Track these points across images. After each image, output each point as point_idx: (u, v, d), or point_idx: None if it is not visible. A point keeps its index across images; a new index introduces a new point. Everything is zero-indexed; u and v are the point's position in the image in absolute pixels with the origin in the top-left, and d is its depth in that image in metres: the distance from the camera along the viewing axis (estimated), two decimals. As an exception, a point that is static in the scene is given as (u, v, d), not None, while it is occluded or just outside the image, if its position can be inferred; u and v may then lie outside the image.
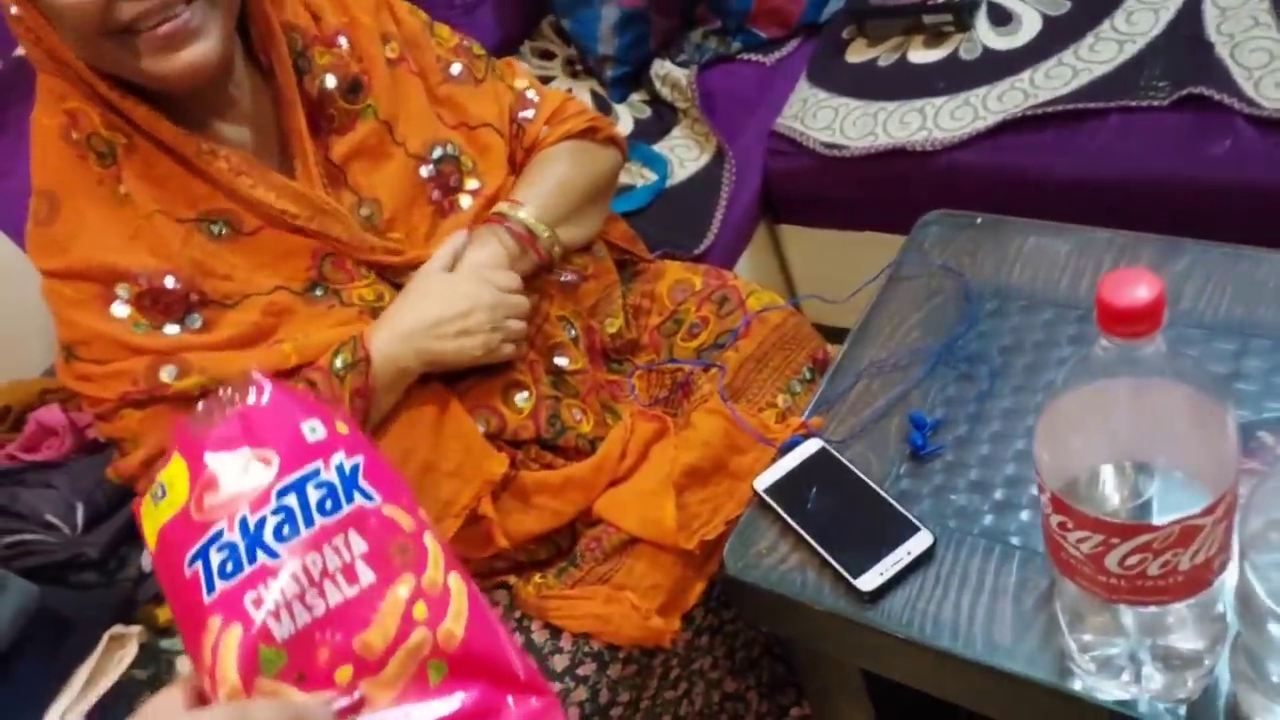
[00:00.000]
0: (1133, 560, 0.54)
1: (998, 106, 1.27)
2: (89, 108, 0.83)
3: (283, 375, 0.85)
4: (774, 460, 0.88)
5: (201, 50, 0.79)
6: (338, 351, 0.84)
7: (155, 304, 0.83)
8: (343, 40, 0.91)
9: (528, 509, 0.90)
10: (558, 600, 0.89)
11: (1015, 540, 0.76)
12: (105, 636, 0.92)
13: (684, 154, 1.43)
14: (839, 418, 0.90)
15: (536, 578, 0.91)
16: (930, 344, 0.92)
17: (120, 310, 0.83)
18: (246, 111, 0.88)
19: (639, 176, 1.40)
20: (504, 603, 0.92)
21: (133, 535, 0.98)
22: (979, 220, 1.01)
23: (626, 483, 0.92)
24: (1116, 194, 1.17)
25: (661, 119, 1.49)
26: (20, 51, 1.19)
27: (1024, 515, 0.77)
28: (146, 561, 0.98)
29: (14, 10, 0.81)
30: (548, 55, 1.65)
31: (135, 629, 0.93)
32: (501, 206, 0.93)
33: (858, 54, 1.44)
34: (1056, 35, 1.32)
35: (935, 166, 1.28)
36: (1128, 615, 0.60)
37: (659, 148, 1.44)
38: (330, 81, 0.89)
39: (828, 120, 1.37)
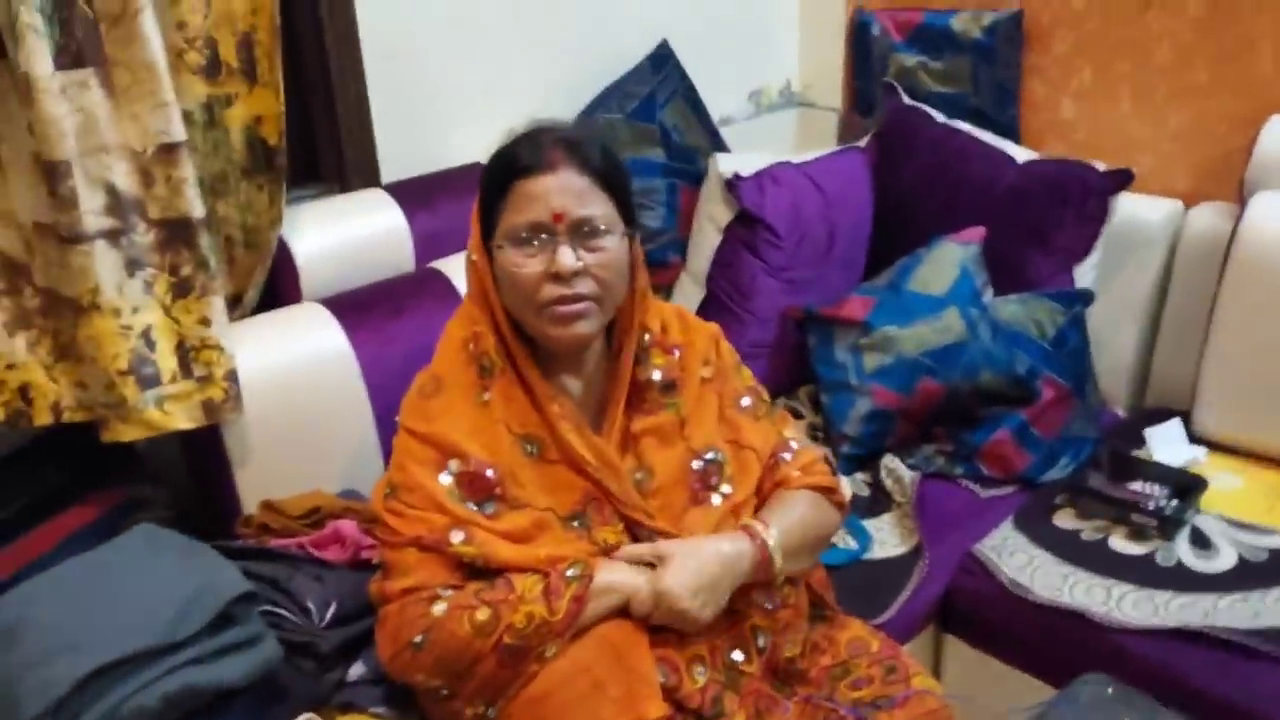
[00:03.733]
0: None
1: (1178, 614, 1.39)
2: (489, 334, 1.15)
3: (527, 568, 1.07)
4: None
5: (585, 328, 1.12)
6: (572, 564, 1.06)
7: (470, 484, 1.10)
8: (676, 352, 1.20)
9: (662, 764, 1.03)
10: None
11: None
12: (303, 717, 1.10)
13: (886, 538, 1.62)
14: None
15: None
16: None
17: (445, 478, 1.10)
18: (586, 374, 1.19)
19: (842, 540, 1.59)
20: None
21: (357, 647, 1.18)
22: (1136, 697, 1.12)
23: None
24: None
25: (877, 502, 1.70)
26: (432, 264, 1.59)
27: None
28: (354, 672, 1.18)
29: (474, 257, 1.16)
30: (796, 415, 1.92)
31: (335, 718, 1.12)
32: (755, 525, 1.14)
33: (1064, 520, 1.61)
34: (1248, 576, 1.44)
35: (1106, 641, 1.39)
36: None
37: (867, 523, 1.64)
38: (656, 375, 1.18)
39: (1021, 563, 1.53)
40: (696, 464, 1.17)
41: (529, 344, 1.16)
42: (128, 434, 1.27)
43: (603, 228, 1.11)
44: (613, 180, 1.13)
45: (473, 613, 1.03)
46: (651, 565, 1.09)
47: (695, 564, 1.07)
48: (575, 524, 1.12)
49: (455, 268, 1.56)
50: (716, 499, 1.17)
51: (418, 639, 1.04)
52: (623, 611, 1.07)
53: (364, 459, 1.45)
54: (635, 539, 1.13)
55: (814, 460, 1.25)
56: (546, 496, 1.12)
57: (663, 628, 1.08)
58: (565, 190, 1.09)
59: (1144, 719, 1.12)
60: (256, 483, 1.37)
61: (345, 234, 1.55)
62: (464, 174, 1.72)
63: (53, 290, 1.28)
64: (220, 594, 1.06)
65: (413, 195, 1.63)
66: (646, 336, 1.19)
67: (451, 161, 1.76)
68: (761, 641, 1.14)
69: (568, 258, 1.08)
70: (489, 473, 1.10)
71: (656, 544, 1.11)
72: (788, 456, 1.23)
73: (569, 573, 1.06)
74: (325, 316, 1.44)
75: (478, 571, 1.08)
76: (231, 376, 1.31)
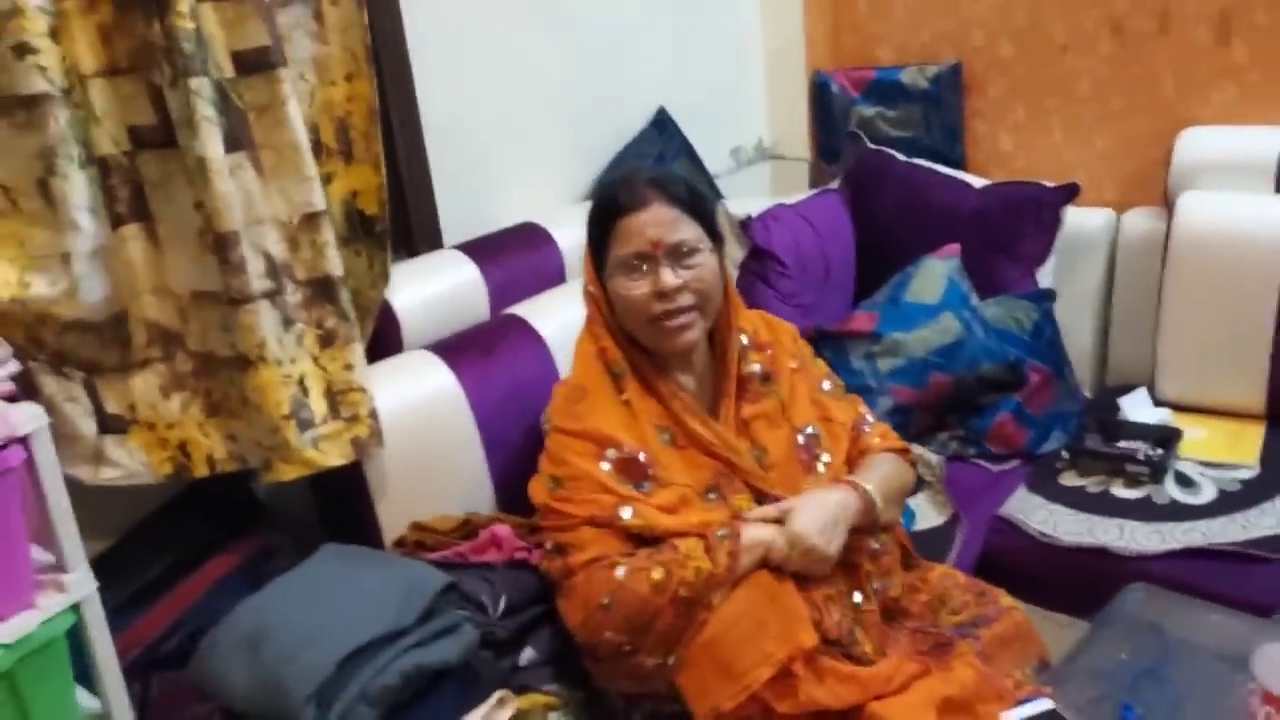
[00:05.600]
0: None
1: (1183, 538, 1.66)
2: (613, 346, 1.35)
3: (684, 533, 1.26)
4: (1014, 707, 1.19)
5: (691, 337, 1.34)
6: (720, 526, 1.26)
7: (627, 469, 1.29)
8: (769, 350, 1.43)
9: (821, 684, 1.22)
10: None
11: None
12: (496, 695, 1.25)
13: (925, 513, 1.86)
14: (1063, 697, 1.21)
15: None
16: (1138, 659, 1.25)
17: (605, 466, 1.29)
18: (697, 374, 1.40)
19: (889, 518, 1.82)
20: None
21: (527, 632, 1.34)
22: (1172, 596, 1.37)
23: (896, 697, 1.24)
24: None
25: (908, 486, 1.95)
26: (508, 311, 1.78)
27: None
28: (524, 658, 1.33)
29: (591, 289, 1.37)
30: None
31: (514, 697, 1.27)
32: (855, 478, 1.36)
33: (1069, 480, 1.89)
34: (1230, 502, 1.73)
35: (1128, 569, 1.64)
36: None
37: (907, 501, 1.87)
38: (756, 369, 1.40)
39: (1043, 518, 1.79)
40: (801, 439, 1.39)
41: (646, 353, 1.37)
42: (289, 473, 1.41)
43: (694, 247, 1.33)
44: (697, 206, 1.36)
45: (649, 572, 1.22)
46: (779, 522, 1.29)
47: (816, 509, 1.28)
48: (711, 497, 1.32)
49: (529, 312, 1.76)
50: (821, 467, 1.39)
51: (605, 600, 1.22)
52: (766, 565, 1.27)
53: (477, 484, 1.61)
54: (761, 504, 1.33)
55: (887, 429, 1.49)
56: (685, 475, 1.32)
57: (799, 576, 1.28)
58: (659, 221, 1.32)
59: (1184, 609, 1.38)
60: (394, 513, 1.52)
61: (433, 289, 1.74)
62: (520, 231, 1.93)
63: (208, 353, 1.42)
64: (428, 587, 1.22)
65: (482, 252, 1.83)
66: (743, 338, 1.42)
67: (501, 223, 1.97)
68: (875, 584, 1.35)
69: (669, 277, 1.31)
70: (641, 457, 1.30)
71: (779, 502, 1.31)
72: (867, 428, 1.47)
73: (719, 533, 1.26)
74: (434, 360, 1.61)
75: (643, 542, 1.27)
76: (374, 414, 1.47)
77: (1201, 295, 1.97)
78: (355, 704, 1.09)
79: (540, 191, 2.07)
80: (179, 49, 1.28)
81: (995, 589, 1.43)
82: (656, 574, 1.21)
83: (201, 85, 1.30)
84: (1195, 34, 2.10)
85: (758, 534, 1.27)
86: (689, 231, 1.34)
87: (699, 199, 1.38)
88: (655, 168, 2.12)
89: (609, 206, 1.36)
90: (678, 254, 1.32)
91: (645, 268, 1.32)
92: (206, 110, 1.30)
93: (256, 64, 1.37)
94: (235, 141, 1.36)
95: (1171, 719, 1.16)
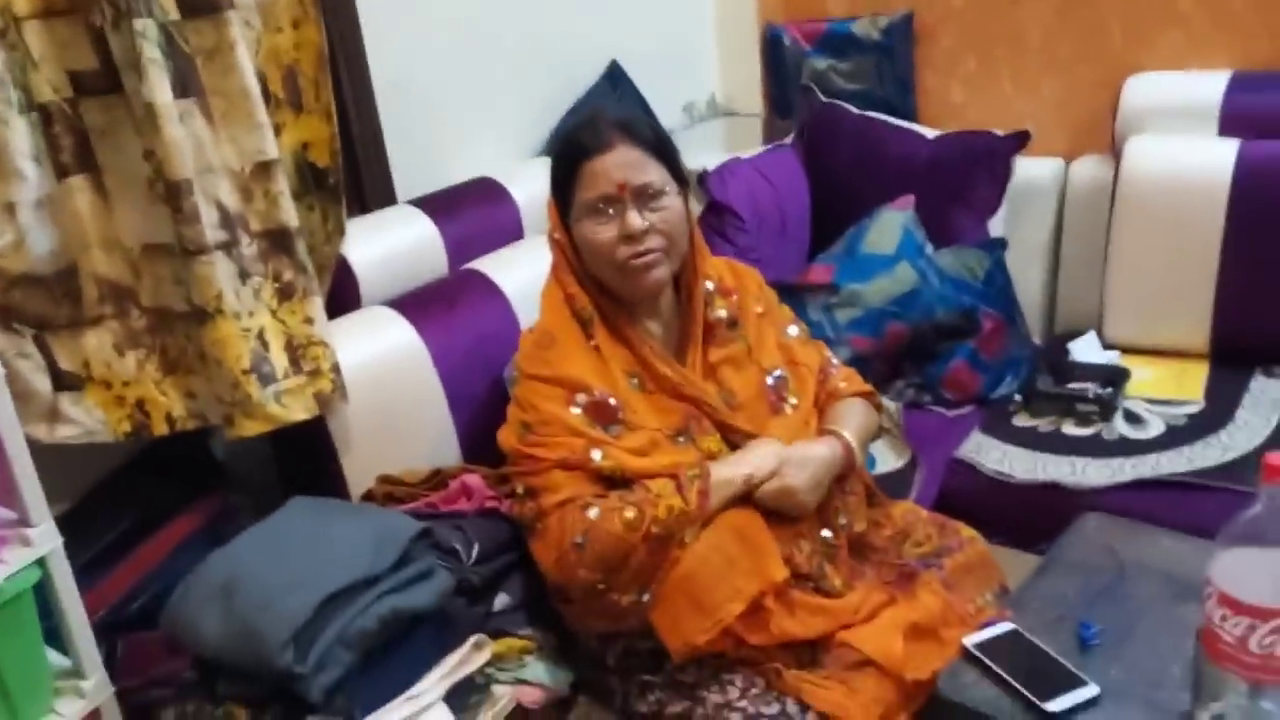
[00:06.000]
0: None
1: (1132, 471, 1.71)
2: (580, 293, 1.35)
3: (653, 473, 1.27)
4: (977, 631, 1.23)
5: (659, 275, 1.35)
6: (690, 467, 1.27)
7: (597, 412, 1.30)
8: (734, 296, 1.44)
9: (791, 616, 1.25)
10: (810, 686, 1.21)
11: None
12: (471, 639, 1.26)
13: (884, 458, 1.90)
14: (1023, 619, 1.25)
15: (794, 670, 1.23)
16: (1093, 582, 1.29)
17: (575, 410, 1.30)
18: (664, 319, 1.41)
19: (850, 463, 1.85)
20: (769, 683, 1.23)
21: (500, 579, 1.34)
22: (1124, 522, 1.42)
23: (864, 625, 1.27)
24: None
25: (867, 431, 1.98)
26: (468, 266, 1.76)
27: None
28: (498, 603, 1.34)
29: (556, 235, 1.37)
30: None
31: (490, 641, 1.27)
32: (841, 431, 1.38)
33: (1022, 421, 1.94)
34: (1176, 437, 1.79)
35: (1081, 503, 1.69)
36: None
37: (866, 448, 1.91)
38: (722, 314, 1.41)
39: (997, 458, 1.83)
40: (769, 381, 1.41)
41: (613, 299, 1.37)
42: (253, 429, 1.39)
43: (660, 190, 1.33)
44: (662, 148, 1.36)
45: (621, 512, 1.23)
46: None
47: (811, 468, 1.31)
48: (681, 439, 1.33)
49: (490, 266, 1.75)
50: (788, 409, 1.41)
51: (579, 539, 1.23)
52: (739, 501, 1.29)
53: (443, 439, 1.61)
54: (731, 445, 1.35)
55: (852, 373, 1.51)
56: (654, 419, 1.32)
57: (770, 513, 1.30)
58: (625, 163, 1.32)
59: (1134, 534, 1.42)
60: (359, 468, 1.51)
61: (389, 245, 1.72)
62: (475, 186, 1.91)
63: (162, 308, 1.39)
64: (401, 533, 1.22)
65: (438, 207, 1.81)
66: (709, 284, 1.42)
67: (454, 178, 1.94)
68: (842, 520, 1.37)
69: (635, 220, 1.31)
70: (611, 401, 1.30)
71: (763, 443, 1.32)
72: (834, 371, 1.49)
73: (690, 473, 1.27)
74: (394, 316, 1.60)
75: (614, 484, 1.27)
76: (336, 369, 1.45)
77: (1148, 239, 2.02)
78: (333, 646, 1.09)
79: (494, 147, 2.05)
80: (118, -10, 1.24)
81: (956, 522, 1.46)
82: (629, 513, 1.22)
83: (146, 27, 1.27)
84: (1141, -19, 2.15)
85: (726, 473, 1.29)
86: (655, 173, 1.33)
87: (664, 140, 1.37)
88: (619, 108, 2.10)
89: (573, 149, 1.35)
90: (644, 196, 1.32)
91: (612, 211, 1.31)
92: (152, 53, 1.27)
93: (202, 5, 1.33)
94: (183, 88, 1.33)
95: (1128, 634, 1.20)
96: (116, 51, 1.28)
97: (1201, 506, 1.63)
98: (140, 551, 1.46)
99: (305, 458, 1.53)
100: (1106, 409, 1.87)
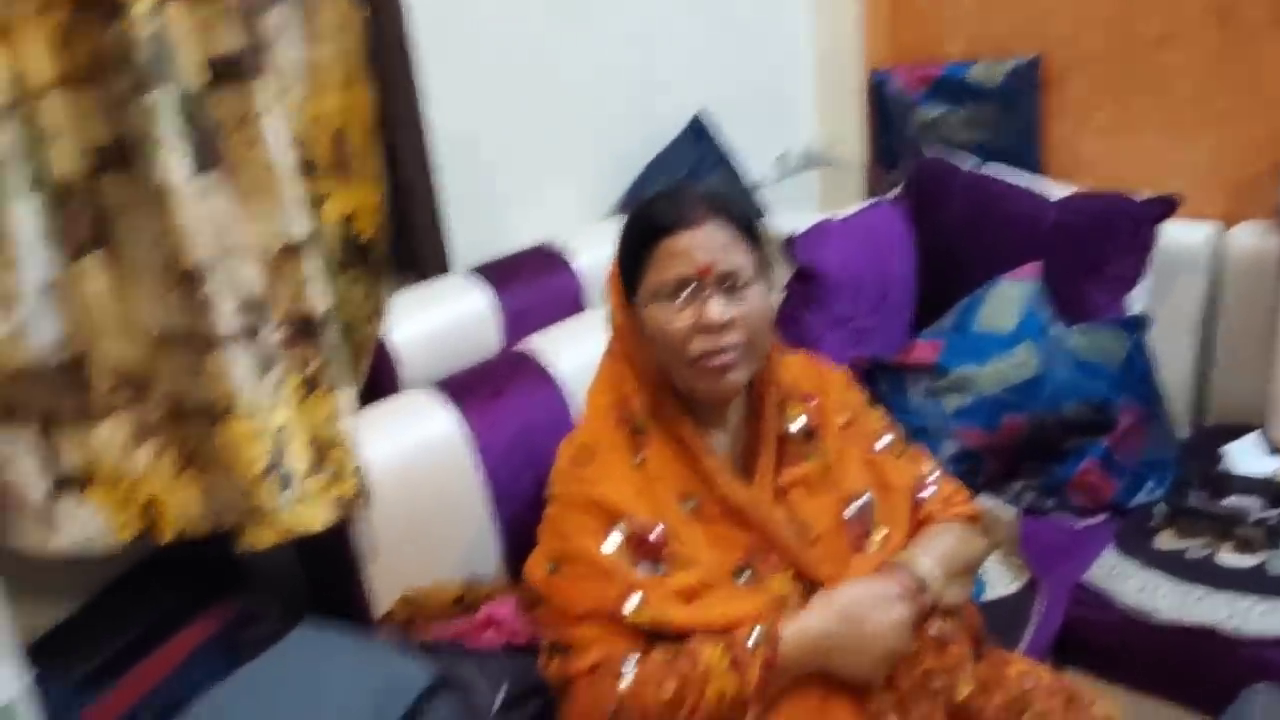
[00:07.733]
0: None
1: (1308, 623, 1.41)
2: (636, 394, 1.15)
3: (706, 634, 1.05)
4: None
5: (736, 378, 1.14)
6: (753, 630, 1.04)
7: (639, 547, 1.09)
8: (814, 401, 1.22)
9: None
10: None
11: None
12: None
13: (994, 579, 1.63)
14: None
15: None
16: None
17: (612, 544, 1.09)
18: (731, 428, 1.19)
19: (955, 584, 1.59)
20: None
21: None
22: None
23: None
24: None
25: (977, 543, 1.71)
26: (517, 348, 1.59)
27: None
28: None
29: (618, 319, 1.17)
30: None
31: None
32: (903, 556, 1.14)
33: (1166, 542, 1.64)
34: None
35: (1241, 656, 1.40)
36: None
37: (974, 567, 1.65)
38: (796, 426, 1.19)
39: (1136, 588, 1.54)
40: (849, 512, 1.18)
41: (677, 401, 1.17)
42: (265, 539, 1.24)
43: (749, 280, 1.13)
44: (755, 232, 1.16)
45: (659, 686, 1.02)
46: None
47: (865, 650, 1.07)
48: (743, 578, 1.11)
49: (542, 348, 1.57)
50: (873, 546, 1.17)
51: (610, 712, 1.02)
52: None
53: (481, 543, 1.43)
54: (807, 588, 1.12)
55: (955, 491, 1.26)
56: (710, 553, 1.11)
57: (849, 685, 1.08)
58: (712, 244, 1.12)
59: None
60: (386, 578, 1.34)
61: (437, 320, 1.56)
62: (535, 254, 1.74)
63: (180, 398, 1.26)
64: (409, 687, 1.04)
65: (494, 277, 1.65)
66: (782, 389, 1.21)
67: (520, 242, 1.78)
68: (937, 684, 1.13)
69: (716, 310, 1.10)
70: (655, 532, 1.09)
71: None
72: (926, 495, 1.24)
73: (751, 640, 1.04)
74: (434, 404, 1.43)
75: (656, 637, 1.06)
76: (359, 471, 1.29)
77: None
78: None
79: (561, 209, 1.87)
80: (134, 57, 1.12)
81: (1087, 691, 1.19)
82: (668, 689, 1.01)
83: (161, 100, 1.14)
84: (1316, 24, 1.83)
85: (808, 624, 1.06)
86: (744, 259, 1.13)
87: (757, 223, 1.17)
88: (706, 184, 1.91)
89: (653, 221, 1.15)
90: (730, 284, 1.12)
91: (688, 296, 1.12)
92: (164, 129, 1.14)
93: (229, 73, 1.20)
94: (206, 161, 1.19)
95: None
96: (130, 127, 1.16)
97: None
98: (145, 665, 1.32)
99: (328, 566, 1.37)
100: (1274, 535, 1.56)
